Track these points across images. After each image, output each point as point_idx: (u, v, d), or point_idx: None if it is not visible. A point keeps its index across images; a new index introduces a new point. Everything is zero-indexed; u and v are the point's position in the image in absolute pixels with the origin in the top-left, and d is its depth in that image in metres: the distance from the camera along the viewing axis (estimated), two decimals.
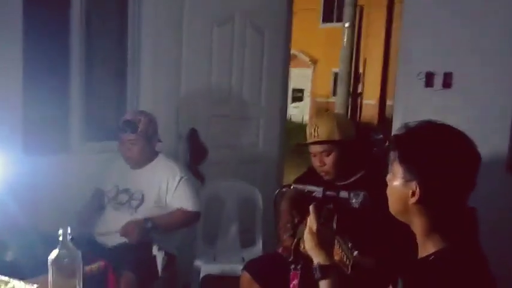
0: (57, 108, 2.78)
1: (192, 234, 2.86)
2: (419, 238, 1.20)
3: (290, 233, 2.18)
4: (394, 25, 13.32)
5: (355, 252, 1.49)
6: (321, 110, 16.35)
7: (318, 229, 1.33)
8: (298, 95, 16.15)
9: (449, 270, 1.10)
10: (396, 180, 1.18)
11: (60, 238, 1.34)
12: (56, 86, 2.77)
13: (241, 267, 2.32)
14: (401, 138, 1.21)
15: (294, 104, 16.24)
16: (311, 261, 1.72)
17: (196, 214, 2.48)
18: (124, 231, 2.31)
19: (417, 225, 1.19)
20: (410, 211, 1.18)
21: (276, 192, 1.51)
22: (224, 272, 2.66)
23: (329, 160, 1.99)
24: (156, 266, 2.36)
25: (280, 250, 2.21)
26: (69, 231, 1.35)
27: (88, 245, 2.42)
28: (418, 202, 1.14)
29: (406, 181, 1.15)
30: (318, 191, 1.39)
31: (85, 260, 1.60)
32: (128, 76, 3.05)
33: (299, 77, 16.76)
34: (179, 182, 2.45)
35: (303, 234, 2.01)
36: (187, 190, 2.46)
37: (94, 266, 2.08)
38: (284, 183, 4.10)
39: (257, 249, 2.91)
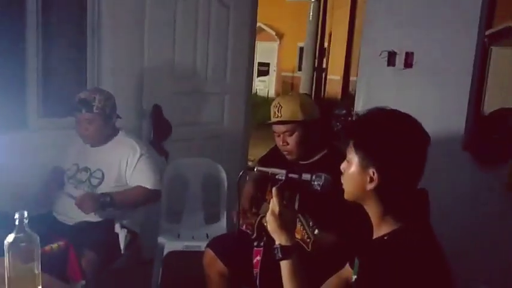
0: (12, 83, 2.67)
1: (156, 212, 2.84)
2: (375, 220, 1.24)
3: (253, 211, 2.22)
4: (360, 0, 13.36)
5: (316, 231, 1.53)
6: (285, 84, 16.39)
7: (280, 211, 1.35)
8: (264, 69, 16.07)
9: (402, 249, 1.15)
10: (352, 168, 1.22)
11: (17, 222, 1.30)
12: (11, 59, 2.65)
13: (205, 243, 2.33)
14: (355, 126, 1.24)
15: (259, 78, 16.18)
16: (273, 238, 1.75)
17: (155, 192, 2.42)
18: (79, 201, 2.25)
19: (373, 209, 1.23)
20: (366, 196, 1.22)
21: (240, 174, 1.50)
22: (188, 248, 2.66)
23: (292, 140, 2.00)
24: (118, 244, 2.33)
25: (243, 227, 2.24)
26: (25, 215, 1.31)
27: (47, 224, 2.38)
28: (375, 188, 1.18)
29: (363, 168, 1.19)
30: (281, 173, 1.39)
31: (45, 239, 1.57)
32: (87, 50, 2.95)
33: (265, 50, 16.67)
34: (139, 159, 2.39)
35: (265, 211, 2.05)
36: (147, 168, 2.41)
37: (54, 246, 2.05)
38: (249, 161, 4.14)
39: (221, 226, 2.93)
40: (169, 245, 2.67)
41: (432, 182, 1.28)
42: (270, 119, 2.06)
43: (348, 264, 1.50)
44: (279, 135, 2.03)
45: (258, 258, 2.09)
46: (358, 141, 1.20)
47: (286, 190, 1.39)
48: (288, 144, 2.01)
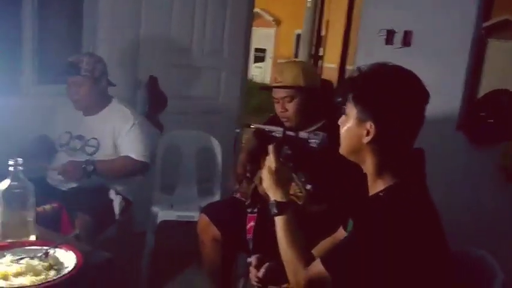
0: (8, 48, 2.63)
1: (149, 183, 2.83)
2: (370, 177, 1.24)
3: (247, 179, 2.22)
4: None
5: (309, 186, 1.53)
6: None
7: (276, 168, 1.35)
8: (260, 55, 16.01)
9: (397, 204, 1.16)
10: (350, 121, 1.22)
11: (11, 168, 1.29)
12: (7, 25, 2.61)
13: (198, 214, 2.33)
14: (355, 80, 1.24)
15: (256, 64, 16.12)
16: (267, 203, 1.76)
17: (142, 164, 2.37)
18: (62, 170, 2.23)
19: (369, 164, 1.23)
20: (363, 151, 1.22)
21: (237, 131, 1.50)
22: (181, 218, 2.66)
23: (291, 106, 1.97)
24: (112, 210, 2.33)
25: (237, 195, 2.24)
26: (20, 161, 1.30)
27: (40, 189, 2.35)
28: (372, 141, 1.18)
29: (361, 121, 1.19)
30: (278, 130, 1.39)
31: (37, 202, 1.56)
32: (83, 19, 2.92)
33: (262, 37, 16.56)
34: (130, 128, 2.35)
35: (260, 179, 2.06)
36: (137, 138, 2.36)
37: (47, 207, 2.05)
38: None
39: (215, 199, 2.92)
40: (163, 214, 2.67)
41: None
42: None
43: (341, 228, 1.51)
44: (278, 101, 2.01)
45: (252, 224, 2.09)
46: (357, 94, 1.20)
47: (283, 147, 1.40)
48: (287, 110, 1.96)
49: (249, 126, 1.55)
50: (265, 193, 1.58)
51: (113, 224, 2.36)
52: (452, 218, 1.27)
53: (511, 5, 11.86)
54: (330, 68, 15.53)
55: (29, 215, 1.33)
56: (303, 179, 1.66)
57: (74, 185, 2.32)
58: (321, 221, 1.61)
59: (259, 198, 2.07)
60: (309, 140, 1.35)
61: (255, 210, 2.14)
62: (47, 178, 2.42)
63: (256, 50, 16.24)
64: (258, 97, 9.68)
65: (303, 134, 1.37)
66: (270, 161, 1.36)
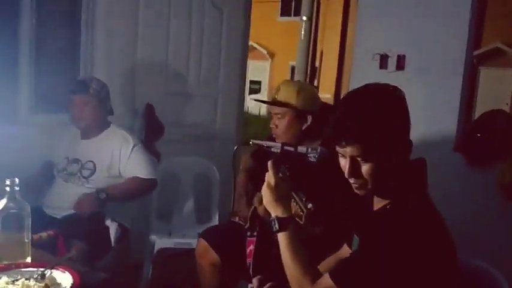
0: (5, 78, 2.65)
1: (146, 210, 2.81)
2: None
3: (246, 202, 2.20)
4: (351, 17, 13.58)
5: (310, 205, 1.52)
6: None
7: (276, 183, 1.34)
8: (255, 87, 16.20)
9: (405, 215, 1.15)
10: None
11: (8, 188, 1.28)
12: (4, 54, 2.64)
13: (195, 241, 2.30)
14: (348, 130, 1.18)
15: (251, 96, 16.25)
16: (267, 226, 1.73)
17: (152, 181, 2.43)
18: (78, 206, 2.24)
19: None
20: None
21: (235, 148, 1.49)
22: (178, 245, 2.63)
23: (281, 124, 2.00)
24: (108, 237, 2.30)
25: (236, 219, 2.22)
26: (16, 182, 1.29)
27: (36, 217, 2.33)
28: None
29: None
30: (276, 146, 1.39)
31: (34, 230, 1.54)
32: (81, 48, 2.96)
33: (257, 69, 16.78)
34: (132, 149, 2.40)
35: (259, 202, 2.03)
36: (142, 158, 2.42)
37: (43, 235, 2.01)
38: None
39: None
40: (160, 242, 2.64)
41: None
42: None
43: (345, 245, 1.49)
44: (272, 117, 2.05)
45: (251, 248, 2.06)
46: (363, 146, 1.17)
47: (282, 163, 1.39)
48: (276, 127, 2.01)
49: (247, 143, 1.54)
50: (265, 214, 1.57)
51: (109, 251, 2.31)
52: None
53: (501, 33, 12.13)
54: (325, 98, 15.63)
55: (25, 236, 1.30)
56: (303, 198, 1.64)
57: (69, 212, 2.29)
58: (323, 239, 1.59)
59: (258, 221, 2.04)
60: (308, 155, 1.34)
61: (254, 233, 2.12)
62: (43, 207, 2.40)
63: (252, 82, 16.42)
64: (255, 126, 9.74)
65: (301, 149, 1.36)
66: (269, 177, 1.35)
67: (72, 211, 2.28)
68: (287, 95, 1.98)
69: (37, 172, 2.49)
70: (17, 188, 1.30)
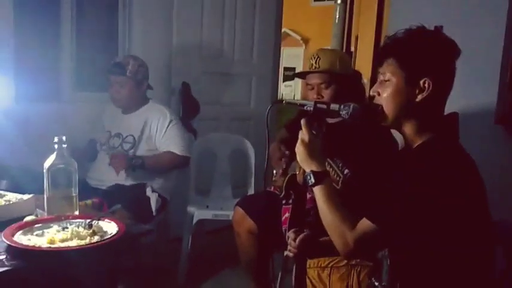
0: (48, 57, 2.78)
1: (185, 184, 2.88)
2: (411, 134, 1.26)
3: (282, 170, 2.23)
4: (386, 1, 13.30)
5: (346, 170, 1.52)
6: None
7: (310, 139, 1.36)
8: (290, 74, 16.09)
9: (438, 153, 1.18)
10: (397, 84, 1.24)
11: (56, 146, 1.35)
12: (46, 36, 2.77)
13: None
14: (395, 45, 1.26)
15: (285, 83, 16.21)
16: (302, 194, 1.75)
17: (185, 158, 2.49)
18: (112, 159, 2.33)
19: (412, 124, 1.25)
20: (411, 109, 1.24)
21: (268, 107, 1.52)
22: (217, 216, 2.69)
23: (327, 93, 1.97)
24: (150, 206, 2.38)
25: (271, 189, 2.25)
26: (64, 139, 1.36)
27: (80, 188, 2.44)
28: (426, 97, 1.21)
29: (411, 81, 1.22)
30: (309, 104, 1.40)
31: (79, 197, 1.62)
32: (118, 28, 3.04)
33: (291, 56, 16.70)
34: (169, 124, 2.47)
35: (294, 170, 2.06)
36: (177, 134, 2.48)
37: (88, 202, 2.09)
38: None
39: None
40: (199, 213, 2.71)
41: None
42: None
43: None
44: (313, 88, 2.01)
45: (287, 215, 2.09)
46: (404, 56, 1.23)
47: (315, 121, 1.41)
48: (322, 97, 1.97)
49: (281, 101, 1.56)
50: (301, 177, 1.58)
51: (151, 220, 2.40)
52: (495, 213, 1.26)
53: None
54: (363, 83, 15.44)
55: (72, 191, 1.38)
56: (340, 164, 1.64)
57: (112, 183, 2.39)
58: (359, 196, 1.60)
59: (293, 190, 2.07)
60: (341, 112, 1.35)
61: (290, 202, 2.15)
62: (87, 179, 2.51)
63: (286, 69, 16.35)
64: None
65: (334, 106, 1.37)
66: (303, 134, 1.38)
67: (115, 182, 2.37)
68: (330, 62, 1.96)
69: (81, 149, 2.59)
70: (64, 146, 1.37)
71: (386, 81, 1.26)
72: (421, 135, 1.24)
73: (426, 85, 1.21)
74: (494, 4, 2.92)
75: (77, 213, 1.41)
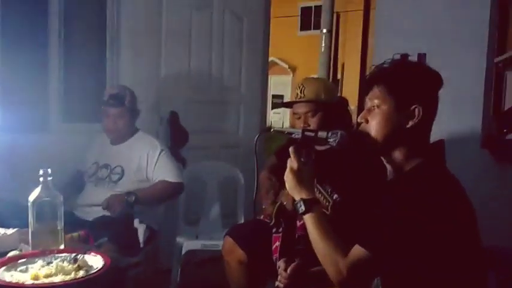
0: (36, 88, 2.77)
1: (174, 214, 2.85)
2: (400, 161, 1.26)
3: (271, 200, 2.22)
4: (370, 30, 13.58)
5: (335, 196, 1.52)
6: None
7: (298, 167, 1.36)
8: (278, 102, 16.24)
9: (424, 175, 1.19)
10: (386, 110, 1.26)
11: (41, 178, 1.33)
12: (34, 65, 2.76)
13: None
14: (386, 70, 1.29)
15: (274, 111, 16.32)
16: (292, 222, 1.74)
17: (179, 185, 2.48)
18: (106, 204, 2.29)
19: (401, 149, 1.26)
20: (400, 136, 1.25)
21: (257, 136, 1.52)
22: (206, 247, 2.65)
23: (314, 121, 1.98)
24: (137, 238, 2.33)
25: (261, 217, 2.23)
26: (49, 172, 1.34)
27: (67, 221, 2.40)
28: (415, 124, 1.23)
29: (401, 107, 1.24)
30: (297, 132, 1.41)
31: (65, 229, 1.59)
32: (107, 59, 3.06)
33: (279, 84, 16.90)
34: (160, 154, 2.46)
35: (283, 198, 2.05)
36: (169, 162, 2.48)
37: (74, 234, 2.05)
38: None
39: None
40: (188, 244, 2.67)
41: None
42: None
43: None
44: (299, 117, 2.03)
45: (277, 244, 2.06)
46: (393, 83, 1.25)
47: (303, 148, 1.41)
48: (309, 125, 1.98)
49: (269, 130, 1.56)
50: (291, 204, 1.57)
51: (138, 252, 2.35)
52: (483, 238, 1.26)
53: None
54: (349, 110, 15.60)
55: (58, 224, 1.35)
56: (329, 190, 1.64)
57: (99, 215, 2.35)
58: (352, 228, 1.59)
59: (283, 218, 2.05)
60: (329, 139, 1.35)
61: (280, 230, 2.13)
62: (74, 210, 2.46)
63: (274, 96, 16.50)
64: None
65: (321, 134, 1.37)
66: (292, 162, 1.37)
67: (102, 214, 2.34)
68: (315, 91, 1.99)
69: (67, 181, 2.56)
70: (49, 178, 1.35)
71: (374, 108, 1.27)
72: (409, 161, 1.25)
73: (416, 112, 1.22)
74: (475, 32, 3.00)
75: (62, 247, 1.38)
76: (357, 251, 1.17)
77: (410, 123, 1.23)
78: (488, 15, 2.95)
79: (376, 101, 1.26)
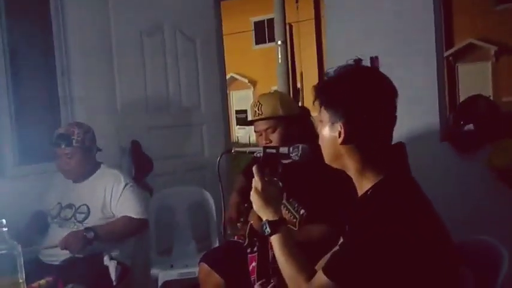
0: None
1: (145, 245, 2.77)
2: (356, 179, 1.22)
3: (244, 220, 2.18)
4: (324, 35, 13.86)
5: (302, 211, 1.51)
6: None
7: (263, 187, 1.34)
8: (242, 117, 16.29)
9: (385, 197, 1.14)
10: (325, 126, 1.22)
11: None
12: None
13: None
14: (321, 85, 1.26)
15: (239, 126, 16.34)
16: (266, 240, 1.71)
17: (142, 221, 2.39)
18: (64, 243, 2.20)
19: (350, 166, 1.21)
20: (341, 154, 1.21)
21: (218, 158, 1.49)
22: (182, 276, 2.58)
23: (274, 137, 1.99)
24: (109, 277, 2.25)
25: (235, 238, 2.20)
26: (4, 223, 1.27)
27: (33, 267, 2.29)
28: (345, 141, 1.17)
29: (333, 124, 1.19)
30: (258, 150, 1.39)
31: (32, 278, 1.50)
32: (59, 94, 2.98)
33: (241, 98, 16.96)
34: (124, 188, 2.38)
35: (254, 216, 2.02)
36: (133, 197, 2.39)
37: (42, 282, 1.96)
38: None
39: None
40: (163, 274, 2.59)
41: (415, 173, 1.25)
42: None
43: (341, 239, 1.47)
44: (261, 134, 2.02)
45: (254, 264, 2.03)
46: (325, 99, 1.21)
47: (267, 167, 1.39)
48: (271, 142, 1.99)
49: (230, 151, 1.54)
50: (258, 225, 1.55)
51: None
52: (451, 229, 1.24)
53: (472, 29, 12.41)
54: (312, 117, 15.79)
55: (19, 276, 1.28)
56: (296, 205, 1.62)
57: (66, 257, 2.26)
58: (320, 241, 1.57)
59: (257, 237, 2.02)
60: (291, 154, 1.34)
61: (255, 249, 2.09)
62: (39, 255, 2.36)
63: (238, 111, 16.53)
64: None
65: (283, 149, 1.36)
66: (256, 182, 1.35)
67: (70, 255, 2.24)
68: (272, 107, 1.99)
69: (28, 223, 2.46)
70: (4, 229, 1.28)
71: (321, 122, 1.25)
72: (366, 176, 1.20)
73: (341, 130, 1.17)
74: (422, 25, 3.08)
75: None
76: (320, 277, 1.13)
77: (340, 140, 1.17)
78: (432, 12, 3.04)
79: (321, 117, 1.24)
